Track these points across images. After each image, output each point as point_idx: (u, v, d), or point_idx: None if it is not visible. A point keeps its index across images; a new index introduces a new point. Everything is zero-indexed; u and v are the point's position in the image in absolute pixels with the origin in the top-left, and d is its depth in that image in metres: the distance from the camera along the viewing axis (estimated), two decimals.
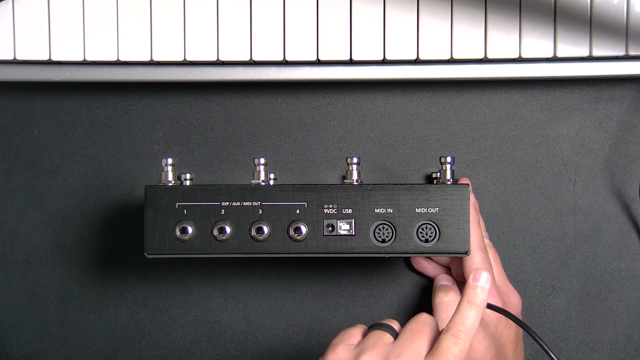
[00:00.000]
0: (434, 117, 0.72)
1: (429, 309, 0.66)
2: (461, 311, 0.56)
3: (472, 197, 0.64)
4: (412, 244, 0.60)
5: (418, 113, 0.72)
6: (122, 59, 0.65)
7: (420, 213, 0.60)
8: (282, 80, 0.67)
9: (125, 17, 0.65)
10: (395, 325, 0.58)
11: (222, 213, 0.60)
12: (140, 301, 0.73)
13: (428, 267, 0.71)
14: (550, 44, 0.64)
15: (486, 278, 0.56)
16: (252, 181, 0.61)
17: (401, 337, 0.56)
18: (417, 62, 0.66)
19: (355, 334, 0.58)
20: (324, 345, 0.73)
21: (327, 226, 0.60)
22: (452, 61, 0.66)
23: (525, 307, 0.69)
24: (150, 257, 0.61)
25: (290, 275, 0.73)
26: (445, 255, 0.60)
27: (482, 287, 0.56)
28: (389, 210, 0.60)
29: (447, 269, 0.70)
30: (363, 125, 0.72)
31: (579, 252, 0.72)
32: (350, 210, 0.60)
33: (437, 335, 0.56)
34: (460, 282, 0.68)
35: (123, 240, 0.73)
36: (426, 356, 0.54)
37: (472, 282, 0.56)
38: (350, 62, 0.66)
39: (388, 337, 0.56)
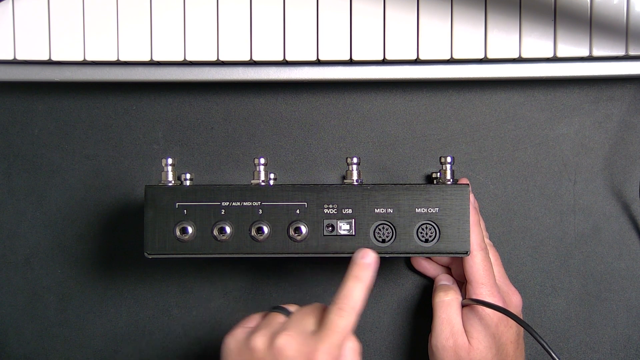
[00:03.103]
0: (434, 117, 0.72)
1: (429, 309, 0.66)
2: (347, 286, 0.58)
3: (472, 197, 0.64)
4: (412, 244, 0.60)
5: (418, 113, 0.72)
6: (122, 59, 0.65)
7: (420, 213, 0.60)
8: (282, 80, 0.67)
9: (125, 17, 0.65)
10: (293, 308, 0.61)
11: (222, 213, 0.60)
12: (140, 301, 0.73)
13: (428, 267, 0.71)
14: (550, 44, 0.64)
15: (373, 257, 0.58)
16: (252, 181, 0.61)
17: (292, 316, 0.59)
18: (417, 62, 0.66)
19: (254, 318, 0.61)
20: None
21: (327, 226, 0.60)
22: (452, 61, 0.66)
23: (525, 307, 0.69)
24: (150, 257, 0.61)
25: (290, 275, 0.73)
26: (445, 255, 0.60)
27: (369, 264, 0.58)
28: (389, 210, 0.60)
29: (447, 269, 0.70)
30: (363, 125, 0.72)
31: (579, 252, 0.72)
32: (350, 210, 0.60)
33: None
34: (461, 282, 0.68)
35: (123, 240, 0.73)
36: (314, 332, 0.57)
37: (359, 260, 0.58)
38: (350, 62, 0.66)
39: (281, 317, 0.59)
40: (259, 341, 0.57)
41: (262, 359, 0.56)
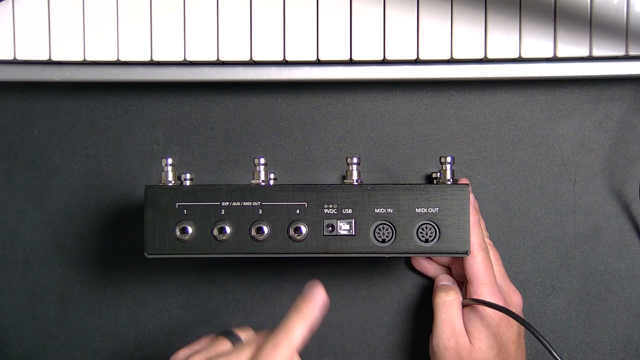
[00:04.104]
0: (434, 117, 0.72)
1: (429, 309, 0.66)
2: (289, 321, 0.56)
3: (472, 197, 0.64)
4: (412, 244, 0.60)
5: (418, 113, 0.72)
6: (122, 59, 0.65)
7: (420, 213, 0.60)
8: (282, 80, 0.67)
9: (125, 17, 0.65)
10: (244, 335, 0.60)
11: (222, 213, 0.60)
12: (140, 301, 0.73)
13: (428, 267, 0.71)
14: (550, 44, 0.64)
15: (322, 297, 0.58)
16: (252, 181, 0.61)
17: (235, 347, 0.58)
18: (417, 62, 0.66)
19: (204, 340, 0.60)
20: (324, 345, 0.73)
21: (327, 226, 0.60)
22: (452, 61, 0.66)
23: (525, 307, 0.69)
24: (150, 257, 0.61)
25: (290, 275, 0.73)
26: (445, 255, 0.60)
27: (317, 304, 0.57)
28: (389, 210, 0.60)
29: (448, 269, 0.70)
30: (363, 125, 0.72)
31: (579, 252, 0.72)
32: (350, 210, 0.60)
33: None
34: (461, 282, 0.68)
35: (123, 240, 0.73)
36: None
37: (309, 296, 0.58)
38: (350, 62, 0.66)
39: (226, 345, 0.58)
40: None
41: None
